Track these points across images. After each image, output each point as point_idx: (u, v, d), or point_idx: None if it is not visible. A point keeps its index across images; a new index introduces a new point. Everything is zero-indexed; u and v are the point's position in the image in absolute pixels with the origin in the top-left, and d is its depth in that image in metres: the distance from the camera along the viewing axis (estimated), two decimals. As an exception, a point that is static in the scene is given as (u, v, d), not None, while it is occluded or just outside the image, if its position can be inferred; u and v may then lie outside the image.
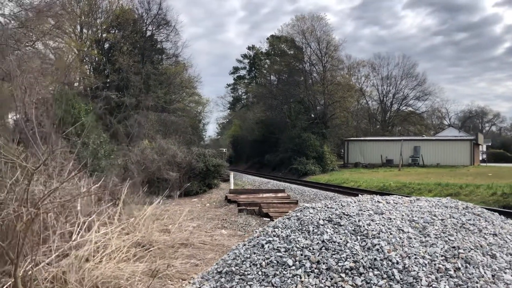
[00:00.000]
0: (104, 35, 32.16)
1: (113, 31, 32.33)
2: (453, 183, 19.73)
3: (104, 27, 32.02)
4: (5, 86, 11.99)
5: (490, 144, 62.82)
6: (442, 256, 4.62)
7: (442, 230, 5.16)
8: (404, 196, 6.85)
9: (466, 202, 15.00)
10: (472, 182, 19.78)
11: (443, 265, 4.47)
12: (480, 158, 50.75)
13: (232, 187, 21.12)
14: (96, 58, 31.78)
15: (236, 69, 74.43)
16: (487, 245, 4.91)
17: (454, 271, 4.40)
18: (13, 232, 5.10)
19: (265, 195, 16.65)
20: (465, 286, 4.20)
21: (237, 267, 5.16)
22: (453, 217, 5.54)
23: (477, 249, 4.80)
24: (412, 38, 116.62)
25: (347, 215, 5.51)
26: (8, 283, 5.06)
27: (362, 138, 47.67)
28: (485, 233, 5.20)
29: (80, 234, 6.67)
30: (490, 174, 26.42)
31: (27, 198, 4.91)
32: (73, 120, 14.21)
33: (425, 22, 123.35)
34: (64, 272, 5.45)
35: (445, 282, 4.24)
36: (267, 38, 60.40)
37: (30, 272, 5.23)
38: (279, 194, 16.78)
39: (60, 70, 20.91)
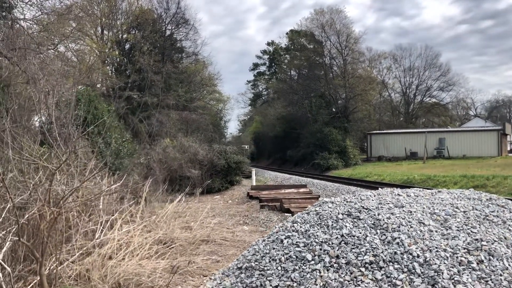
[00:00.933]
0: (124, 36, 32.55)
1: (133, 32, 32.70)
2: (480, 174, 19.29)
3: (124, 28, 32.41)
4: (28, 89, 12.25)
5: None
6: (464, 248, 4.53)
7: (465, 222, 5.05)
8: (425, 188, 6.73)
9: (493, 193, 14.67)
10: (499, 173, 19.30)
11: (465, 257, 4.39)
12: (508, 149, 49.46)
13: (254, 183, 21.15)
14: (117, 59, 32.21)
15: (256, 66, 74.38)
16: (511, 236, 4.79)
17: (477, 263, 4.31)
18: (37, 232, 5.23)
19: (287, 190, 16.61)
20: (488, 278, 4.11)
21: (256, 263, 5.16)
22: (476, 209, 5.42)
23: (501, 241, 4.69)
24: (435, 28, 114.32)
25: (366, 209, 5.45)
26: (34, 281, 5.20)
27: (385, 131, 47.04)
28: (509, 225, 5.08)
29: (103, 233, 6.79)
30: (518, 164, 25.74)
31: (50, 198, 5.02)
32: (96, 121, 14.42)
33: (448, 11, 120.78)
34: (88, 269, 5.56)
35: (468, 275, 4.16)
36: (287, 33, 60.22)
37: (54, 270, 5.35)
38: (301, 190, 16.72)
39: (82, 72, 21.29)
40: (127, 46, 32.76)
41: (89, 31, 28.41)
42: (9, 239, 5.20)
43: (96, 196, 6.64)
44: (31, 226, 5.78)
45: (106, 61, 31.07)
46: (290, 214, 11.71)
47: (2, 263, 4.75)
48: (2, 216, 5.31)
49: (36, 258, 5.07)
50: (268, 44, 72.33)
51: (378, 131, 47.12)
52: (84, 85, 22.08)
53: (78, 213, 6.58)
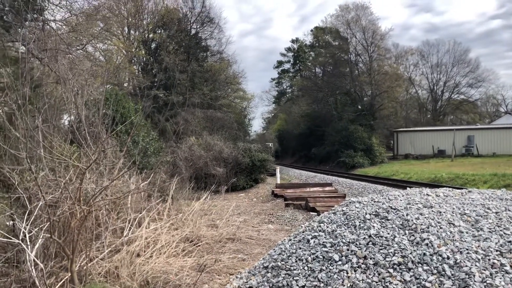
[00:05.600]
0: (150, 35, 32.96)
1: (159, 31, 33.08)
2: (511, 173, 18.77)
3: (150, 27, 32.81)
4: (58, 89, 12.54)
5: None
6: (496, 251, 4.42)
7: (497, 223, 4.93)
8: (454, 188, 6.59)
9: (525, 193, 14.16)
10: (531, 172, 18.75)
11: (498, 260, 4.28)
12: (541, 146, 47.92)
13: (278, 181, 21.13)
14: (144, 58, 32.64)
15: (280, 63, 74.18)
16: (547, 239, 4.64)
17: (511, 266, 4.20)
18: (68, 229, 5.35)
19: (312, 189, 16.53)
20: (522, 282, 3.99)
21: (283, 262, 5.16)
22: (509, 210, 5.28)
23: (535, 243, 4.55)
24: (467, 23, 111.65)
25: (394, 209, 5.37)
26: (66, 278, 5.32)
27: (412, 129, 46.23)
28: (544, 227, 4.92)
29: (131, 230, 6.90)
30: (551, 163, 24.94)
31: (80, 196, 5.13)
32: (123, 119, 14.65)
33: (481, 7, 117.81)
34: (117, 267, 5.67)
35: (501, 278, 4.06)
36: (311, 30, 59.84)
37: (85, 267, 5.47)
38: (326, 188, 16.61)
39: (110, 71, 21.67)
40: (153, 45, 33.16)
41: (116, 31, 28.89)
42: (41, 236, 5.34)
43: (125, 195, 6.76)
44: (62, 224, 5.92)
45: (133, 61, 31.54)
46: (316, 213, 11.65)
47: (35, 259, 4.88)
48: (35, 213, 5.46)
49: (67, 255, 5.19)
50: (293, 41, 72.05)
51: (404, 129, 46.35)
52: (112, 85, 22.50)
53: (107, 211, 6.70)
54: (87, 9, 17.77)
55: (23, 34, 10.49)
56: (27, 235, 5.10)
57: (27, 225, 5.18)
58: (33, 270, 4.97)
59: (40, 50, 11.13)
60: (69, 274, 5.17)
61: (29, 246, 5.00)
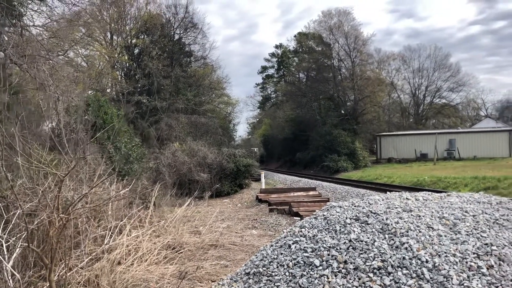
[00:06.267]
0: (133, 40, 32.76)
1: (142, 37, 32.90)
2: (491, 176, 19.08)
3: (133, 33, 32.62)
4: (39, 95, 12.38)
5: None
6: (474, 253, 4.48)
7: (474, 226, 5.00)
8: (435, 192, 6.68)
9: (505, 195, 14.44)
10: (511, 175, 19.08)
11: (475, 263, 4.33)
12: (520, 149, 48.84)
13: (263, 186, 21.13)
14: (127, 64, 32.42)
15: (264, 68, 74.35)
16: (523, 241, 4.72)
17: (487, 269, 4.26)
18: (47, 238, 5.27)
19: (296, 194, 16.57)
20: (499, 284, 4.05)
21: (264, 268, 5.15)
22: (486, 213, 5.36)
23: (511, 245, 4.62)
24: (448, 29, 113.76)
25: (374, 213, 5.41)
26: (44, 287, 5.23)
27: (394, 133, 46.75)
28: (520, 229, 5.01)
29: (112, 238, 6.82)
30: (530, 165, 25.43)
31: (58, 204, 5.05)
32: (106, 126, 14.52)
33: (461, 13, 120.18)
34: (97, 275, 5.59)
35: (477, 280, 4.11)
36: (295, 36, 60.12)
37: (64, 276, 5.39)
38: (310, 193, 16.67)
39: (92, 77, 21.47)
40: (136, 51, 32.98)
41: (98, 36, 28.65)
42: (19, 245, 5.25)
43: (104, 202, 6.68)
44: (41, 232, 5.83)
45: (116, 66, 31.29)
46: (299, 218, 11.67)
47: (12, 269, 4.79)
48: (12, 222, 5.37)
49: (45, 264, 5.11)
50: (277, 47, 72.29)
51: (387, 133, 46.85)
52: (94, 91, 22.28)
53: (87, 219, 6.62)
54: (68, 14, 17.60)
55: (1, 40, 10.35)
56: (4, 245, 5.01)
57: (4, 234, 5.09)
58: (10, 280, 4.88)
59: (19, 56, 10.97)
60: (48, 284, 5.09)
61: (6, 256, 4.91)
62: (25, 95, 11.73)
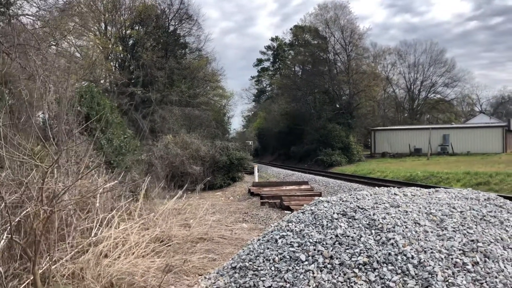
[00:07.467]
0: (128, 31, 32.54)
1: (137, 28, 32.67)
2: (483, 171, 19.15)
3: (128, 23, 32.39)
4: (30, 85, 12.24)
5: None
6: (459, 250, 4.47)
7: (461, 222, 4.99)
8: (423, 187, 6.66)
9: (496, 191, 14.48)
10: (503, 170, 19.15)
11: (460, 259, 4.32)
12: (513, 145, 49.13)
13: (256, 180, 21.10)
14: (121, 55, 32.22)
15: (260, 61, 74.09)
16: (508, 238, 4.72)
17: (472, 265, 4.25)
18: (31, 230, 5.21)
19: (288, 187, 16.56)
20: (483, 281, 4.05)
21: (250, 263, 5.12)
22: (473, 209, 5.35)
23: (498, 242, 4.62)
24: (445, 24, 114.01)
25: (362, 209, 5.39)
26: (28, 280, 5.18)
27: (389, 128, 46.84)
28: (506, 225, 5.01)
29: (100, 231, 6.76)
30: (522, 161, 25.56)
31: (42, 196, 4.99)
32: (99, 117, 14.39)
33: (458, 8, 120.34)
34: (82, 268, 5.54)
35: (462, 277, 4.10)
36: (291, 29, 59.90)
37: (48, 269, 5.33)
38: (303, 186, 16.66)
39: (86, 67, 21.30)
40: (130, 42, 32.78)
41: (92, 27, 28.41)
42: (4, 237, 5.19)
43: (90, 194, 6.61)
44: (27, 225, 5.76)
45: (110, 57, 31.08)
46: (290, 212, 11.66)
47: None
48: (-4, 214, 5.29)
49: (29, 257, 5.05)
50: (272, 39, 72.02)
51: (382, 127, 46.93)
52: (87, 81, 22.11)
53: (74, 211, 6.55)
54: (62, 4, 17.41)
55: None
56: (-13, 237, 4.94)
57: (-13, 226, 5.02)
58: (-7, 273, 4.81)
59: (9, 45, 10.83)
60: (32, 277, 5.04)
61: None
62: (16, 85, 11.59)
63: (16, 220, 5.33)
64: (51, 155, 5.20)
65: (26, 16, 14.08)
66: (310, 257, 4.76)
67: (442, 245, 4.53)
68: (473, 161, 28.98)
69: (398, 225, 4.90)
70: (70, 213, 6.43)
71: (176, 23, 34.48)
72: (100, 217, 7.03)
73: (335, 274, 4.43)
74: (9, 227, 5.04)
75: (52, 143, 5.28)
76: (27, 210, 5.37)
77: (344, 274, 4.39)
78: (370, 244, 4.68)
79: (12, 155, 4.99)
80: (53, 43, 17.01)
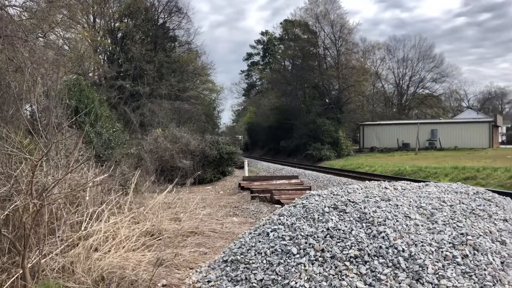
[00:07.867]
0: (116, 24, 32.17)
1: (126, 20, 32.33)
2: (470, 166, 19.37)
3: (117, 16, 32.02)
4: (18, 78, 12.07)
5: (510, 125, 61.47)
6: (449, 243, 4.52)
7: (451, 216, 5.04)
8: (414, 180, 6.72)
9: (483, 185, 14.66)
10: (490, 165, 19.39)
11: (450, 252, 4.38)
12: (500, 140, 49.79)
13: (246, 174, 21.12)
14: (110, 48, 31.86)
15: (250, 55, 73.91)
16: (497, 231, 4.78)
17: (462, 258, 4.30)
18: (20, 224, 5.15)
19: (278, 181, 16.59)
20: (472, 273, 4.10)
21: (242, 256, 5.13)
22: (463, 203, 5.41)
23: (486, 235, 4.68)
24: (434, 20, 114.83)
25: (352, 202, 5.42)
26: (18, 274, 5.13)
27: (377, 122, 47.13)
28: (495, 219, 5.07)
29: (90, 224, 6.72)
30: (509, 156, 25.91)
31: (32, 190, 4.94)
32: (87, 110, 14.27)
33: (447, 4, 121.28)
34: (72, 262, 5.50)
35: (452, 269, 4.15)
36: (281, 23, 59.80)
37: (38, 263, 5.29)
38: (293, 181, 16.70)
39: (74, 60, 21.06)
40: (119, 34, 32.40)
41: (81, 19, 28.03)
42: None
43: (80, 188, 6.56)
44: (16, 218, 5.70)
45: (98, 50, 30.74)
46: (280, 205, 11.69)
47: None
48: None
49: (18, 251, 5.01)
50: (262, 33, 71.83)
51: (370, 122, 47.19)
52: (75, 74, 21.86)
53: (64, 205, 6.50)
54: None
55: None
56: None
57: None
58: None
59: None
60: (21, 270, 4.99)
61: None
62: (3, 77, 11.42)
63: (5, 213, 5.27)
64: (41, 148, 5.14)
65: (13, 7, 13.84)
66: (301, 250, 4.78)
67: (432, 238, 4.58)
68: (461, 156, 29.30)
69: (389, 219, 4.94)
70: (60, 207, 6.38)
71: (166, 16, 34.19)
72: (90, 211, 6.99)
73: (327, 267, 4.46)
74: (-2, 221, 4.99)
75: (42, 135, 5.22)
76: (16, 203, 5.31)
77: (336, 267, 4.42)
78: (361, 237, 4.72)
79: (1, 148, 4.92)
80: (41, 35, 16.79)
